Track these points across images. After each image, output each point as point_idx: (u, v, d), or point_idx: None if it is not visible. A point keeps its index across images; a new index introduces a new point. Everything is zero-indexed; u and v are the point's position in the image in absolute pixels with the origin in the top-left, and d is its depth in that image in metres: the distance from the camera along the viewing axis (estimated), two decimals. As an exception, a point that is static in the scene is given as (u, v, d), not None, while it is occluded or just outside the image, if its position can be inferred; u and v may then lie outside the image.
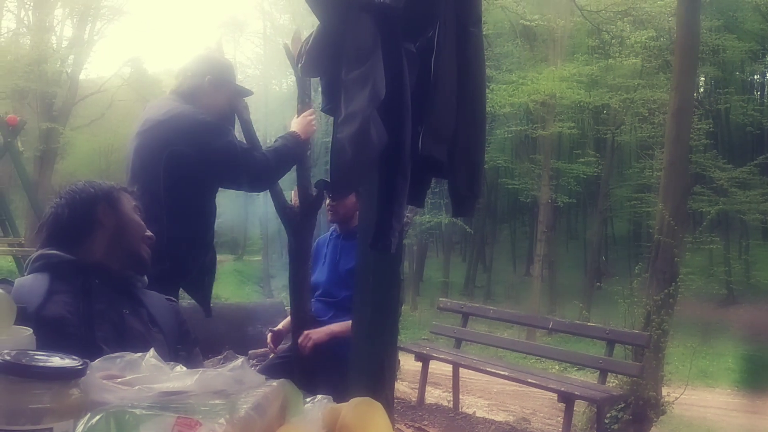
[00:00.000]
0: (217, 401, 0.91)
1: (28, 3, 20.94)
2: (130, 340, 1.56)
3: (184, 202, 2.64)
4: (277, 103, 22.43)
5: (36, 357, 0.89)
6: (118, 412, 0.81)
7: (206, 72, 2.81)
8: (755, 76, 25.39)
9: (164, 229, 2.52)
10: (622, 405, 6.64)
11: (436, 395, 7.35)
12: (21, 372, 0.85)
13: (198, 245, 2.79)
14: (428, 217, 19.88)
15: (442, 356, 6.41)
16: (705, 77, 22.81)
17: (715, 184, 18.60)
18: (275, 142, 2.94)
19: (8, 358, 0.86)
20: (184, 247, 2.67)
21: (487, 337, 7.69)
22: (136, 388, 0.95)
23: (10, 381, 0.84)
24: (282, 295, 19.50)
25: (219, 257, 2.99)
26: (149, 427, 0.80)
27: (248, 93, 3.06)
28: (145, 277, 1.80)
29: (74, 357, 0.92)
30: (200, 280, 2.86)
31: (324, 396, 1.10)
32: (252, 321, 6.93)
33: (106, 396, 0.91)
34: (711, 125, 20.62)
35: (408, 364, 7.44)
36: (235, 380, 1.00)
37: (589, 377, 7.17)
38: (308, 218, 3.04)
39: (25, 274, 1.67)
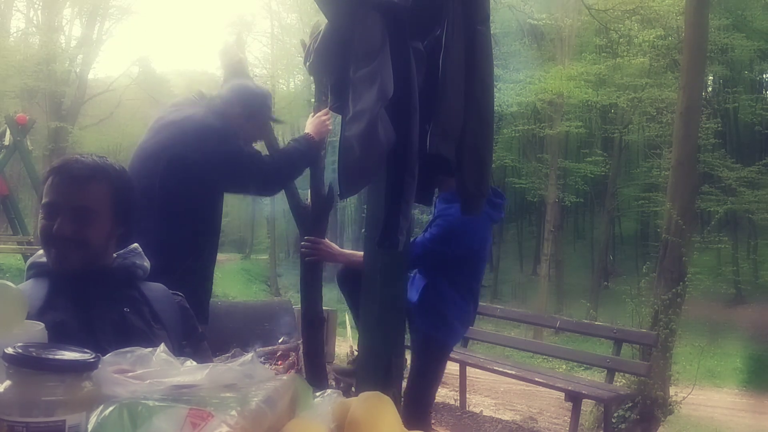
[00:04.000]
0: (228, 394, 0.92)
1: (37, 3, 21.10)
2: (131, 340, 1.54)
3: (181, 206, 2.59)
4: (285, 102, 22.39)
5: (49, 350, 0.90)
6: (131, 404, 0.82)
7: (240, 103, 2.78)
8: (764, 75, 25.18)
9: (156, 233, 2.45)
10: (630, 404, 6.62)
11: (443, 394, 7.33)
12: (34, 365, 0.86)
13: (196, 249, 2.73)
14: (435, 216, 19.81)
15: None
16: (713, 76, 22.66)
17: (723, 183, 18.53)
18: (287, 144, 2.92)
19: (22, 351, 0.87)
20: (178, 251, 2.55)
21: (494, 336, 7.66)
22: (147, 382, 0.95)
23: (24, 373, 0.85)
24: (289, 294, 19.51)
25: (227, 256, 2.98)
26: (162, 418, 0.80)
27: (280, 122, 3.03)
28: (146, 263, 1.74)
29: (86, 351, 0.93)
30: (200, 286, 2.74)
31: (334, 390, 1.11)
32: (259, 319, 6.94)
33: (118, 389, 0.92)
34: (719, 124, 20.52)
35: (415, 362, 7.42)
36: (245, 374, 1.01)
37: (597, 376, 7.16)
38: (320, 218, 3.05)
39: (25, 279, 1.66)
